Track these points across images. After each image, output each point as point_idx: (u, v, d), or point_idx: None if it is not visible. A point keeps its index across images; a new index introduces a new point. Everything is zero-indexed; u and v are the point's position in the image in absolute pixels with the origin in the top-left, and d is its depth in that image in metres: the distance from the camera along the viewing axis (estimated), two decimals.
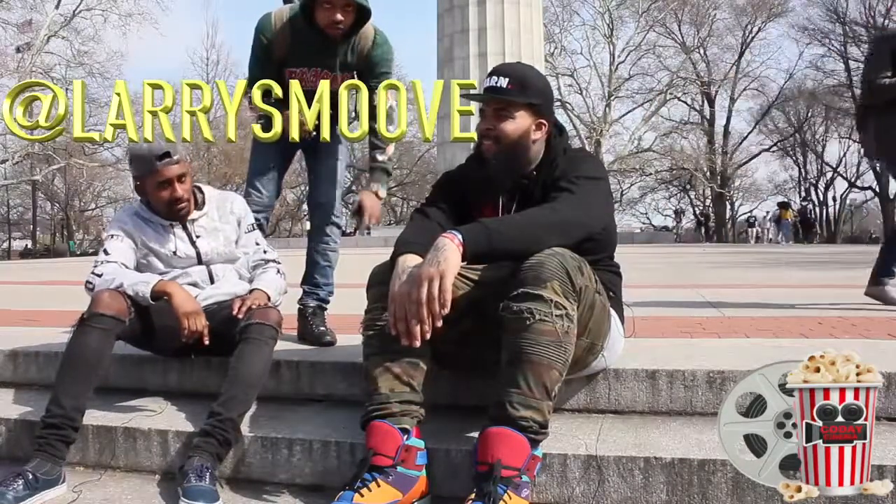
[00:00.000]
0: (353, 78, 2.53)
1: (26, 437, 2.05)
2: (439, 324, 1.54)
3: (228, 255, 2.27)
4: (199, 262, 2.22)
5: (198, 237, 2.23)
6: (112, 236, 2.18)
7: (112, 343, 1.94)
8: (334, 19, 2.38)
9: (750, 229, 30.21)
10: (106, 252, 2.14)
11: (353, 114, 2.61)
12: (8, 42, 26.76)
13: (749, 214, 32.88)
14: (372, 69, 2.56)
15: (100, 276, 2.06)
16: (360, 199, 2.58)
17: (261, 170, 2.67)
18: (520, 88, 1.77)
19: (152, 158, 2.10)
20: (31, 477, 1.72)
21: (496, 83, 1.78)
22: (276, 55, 2.54)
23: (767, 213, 31.34)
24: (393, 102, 2.40)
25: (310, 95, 2.33)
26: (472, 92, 1.77)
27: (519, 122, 1.79)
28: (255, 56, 2.57)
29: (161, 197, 2.15)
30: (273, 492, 1.80)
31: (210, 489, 1.68)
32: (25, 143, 27.59)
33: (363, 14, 2.44)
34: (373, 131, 2.44)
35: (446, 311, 1.54)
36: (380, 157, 2.60)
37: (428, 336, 1.56)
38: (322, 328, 2.59)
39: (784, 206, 26.74)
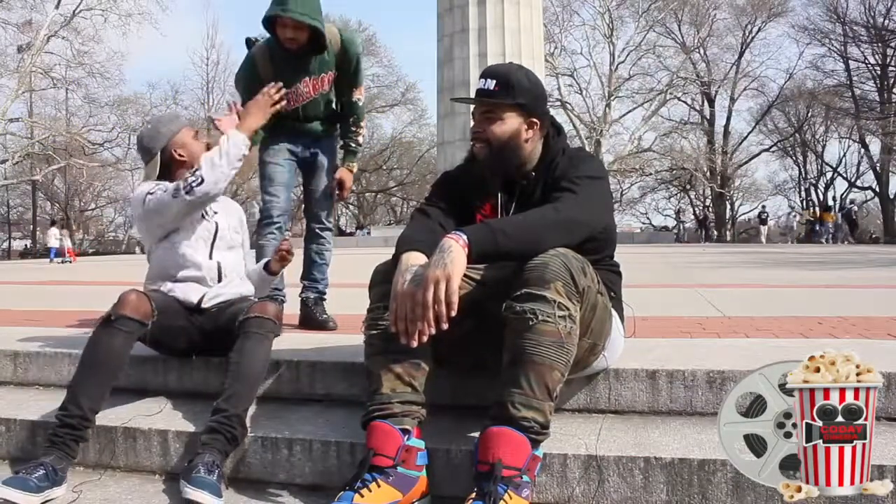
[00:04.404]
0: (333, 75, 2.94)
1: (27, 437, 2.05)
2: (445, 326, 1.53)
3: (236, 239, 2.36)
4: (215, 235, 2.27)
5: (215, 213, 2.33)
6: (157, 185, 2.21)
7: (132, 346, 1.94)
8: (287, 36, 2.75)
9: (762, 226, 28.09)
10: (163, 189, 2.17)
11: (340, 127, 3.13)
12: (8, 42, 26.81)
13: (761, 209, 30.17)
14: (348, 61, 2.96)
15: (197, 179, 2.11)
16: (340, 176, 3.09)
17: (273, 179, 3.01)
18: (505, 90, 1.77)
19: (180, 115, 2.27)
20: (51, 469, 1.74)
21: (484, 85, 1.79)
22: (266, 82, 2.82)
23: (792, 209, 30.74)
24: (359, 97, 3.05)
25: (306, 107, 2.95)
26: (460, 95, 1.78)
27: (508, 124, 1.79)
28: (246, 87, 2.84)
29: (200, 145, 2.31)
30: (273, 492, 1.79)
31: (216, 484, 1.68)
32: (25, 143, 27.65)
33: (316, 32, 2.77)
34: (349, 123, 3.08)
35: (453, 313, 1.53)
36: (352, 145, 3.11)
37: (426, 338, 1.55)
38: (325, 316, 3.02)
39: (826, 209, 26.66)
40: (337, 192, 3.09)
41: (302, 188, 3.18)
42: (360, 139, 3.12)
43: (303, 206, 3.26)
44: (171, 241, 2.22)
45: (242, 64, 2.93)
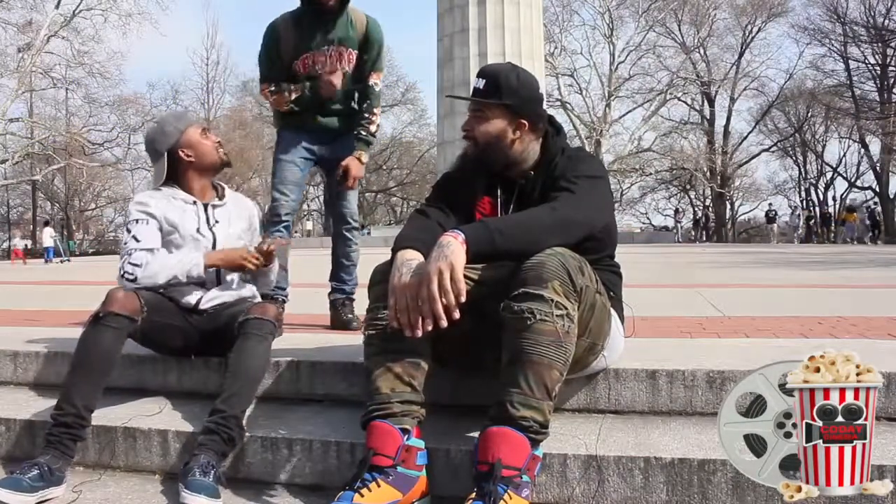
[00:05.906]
0: (355, 56, 2.95)
1: (26, 437, 2.05)
2: (456, 316, 1.52)
3: (239, 245, 2.31)
4: (213, 246, 2.23)
5: (216, 222, 2.28)
6: (137, 221, 2.16)
7: (123, 342, 1.94)
8: None
9: (770, 225, 27.44)
10: (136, 239, 2.12)
11: (365, 116, 3.03)
12: (8, 42, 26.80)
13: (769, 208, 29.44)
14: (370, 46, 2.99)
15: (139, 265, 2.05)
16: (346, 163, 2.93)
17: (285, 178, 3.00)
18: (493, 89, 1.78)
19: (188, 112, 2.25)
20: (46, 469, 1.73)
21: (476, 84, 1.81)
22: (286, 52, 2.89)
23: (795, 208, 30.43)
24: (376, 81, 3.02)
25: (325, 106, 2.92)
26: (454, 94, 1.80)
27: (494, 124, 1.80)
28: (266, 56, 2.93)
29: (208, 143, 2.29)
30: (273, 492, 1.79)
31: (213, 485, 1.68)
32: (25, 143, 27.65)
33: None
34: (362, 110, 3.01)
35: (462, 299, 1.52)
36: (363, 133, 3.00)
37: (430, 327, 1.54)
38: (349, 316, 3.05)
39: (850, 209, 26.60)
40: (345, 179, 2.93)
41: (323, 187, 3.18)
42: (373, 128, 3.03)
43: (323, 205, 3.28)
44: (171, 249, 2.20)
45: (264, 34, 2.90)
